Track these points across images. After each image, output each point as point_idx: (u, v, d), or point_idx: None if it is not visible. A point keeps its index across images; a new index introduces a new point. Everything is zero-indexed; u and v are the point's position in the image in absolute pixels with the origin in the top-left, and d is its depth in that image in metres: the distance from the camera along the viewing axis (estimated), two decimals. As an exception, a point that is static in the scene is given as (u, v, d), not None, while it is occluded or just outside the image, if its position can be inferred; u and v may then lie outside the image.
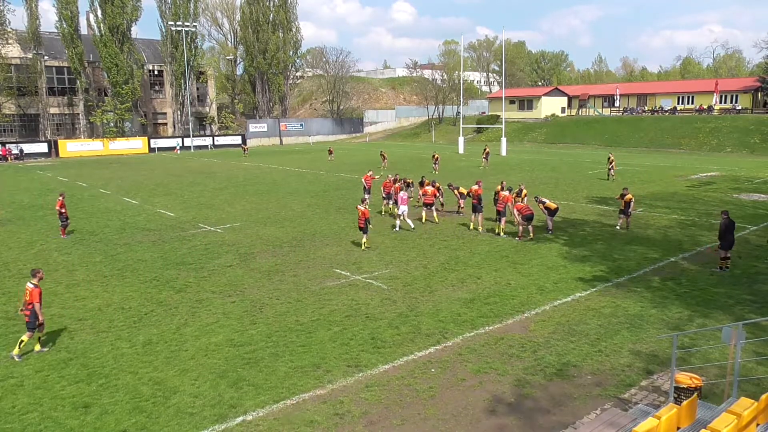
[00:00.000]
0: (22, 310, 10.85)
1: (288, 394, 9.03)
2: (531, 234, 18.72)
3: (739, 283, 14.15)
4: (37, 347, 10.84)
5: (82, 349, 10.81)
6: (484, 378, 9.53)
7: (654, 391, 8.99)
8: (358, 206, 18.15)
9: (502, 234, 19.33)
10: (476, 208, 20.10)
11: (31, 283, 10.77)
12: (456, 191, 23.08)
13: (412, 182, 25.59)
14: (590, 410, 8.48)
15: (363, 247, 17.84)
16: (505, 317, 12.11)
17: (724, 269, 15.05)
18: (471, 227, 20.45)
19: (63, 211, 20.28)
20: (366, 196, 24.90)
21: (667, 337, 10.53)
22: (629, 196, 19.58)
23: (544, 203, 19.82)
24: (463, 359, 10.21)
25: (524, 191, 22.14)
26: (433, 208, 21.93)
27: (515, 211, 18.74)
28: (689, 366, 9.46)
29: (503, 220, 19.44)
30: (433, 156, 38.36)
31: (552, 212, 19.74)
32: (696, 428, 6.76)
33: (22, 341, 10.59)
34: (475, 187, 20.59)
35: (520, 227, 18.83)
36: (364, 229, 17.77)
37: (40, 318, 10.65)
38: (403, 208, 20.38)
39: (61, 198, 20.55)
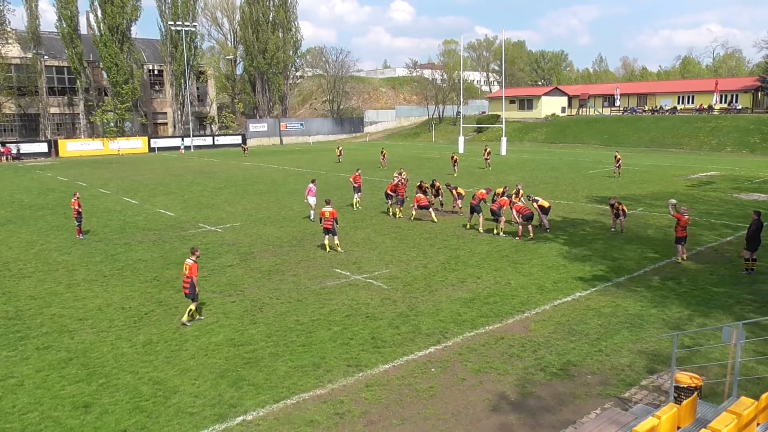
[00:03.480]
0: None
1: (288, 394, 9.04)
2: (531, 233, 18.73)
3: (739, 282, 14.15)
4: (197, 315, 12.21)
5: (82, 348, 10.82)
6: (484, 377, 9.53)
7: (654, 391, 8.99)
8: (324, 209, 17.45)
9: (501, 234, 19.34)
10: (474, 209, 20.14)
11: (190, 259, 12.02)
12: (454, 191, 23.09)
13: (440, 187, 24.24)
14: (591, 409, 8.48)
15: (328, 249, 17.45)
16: (505, 317, 12.11)
17: (750, 271, 14.71)
18: (468, 226, 20.47)
19: (81, 210, 20.06)
20: (356, 195, 24.94)
21: (667, 337, 10.52)
22: (617, 204, 19.34)
23: (537, 201, 19.93)
24: (463, 359, 10.21)
25: (521, 191, 22.19)
26: (431, 209, 21.93)
27: (514, 211, 18.78)
28: (689, 365, 9.46)
29: (502, 220, 19.45)
30: (452, 157, 37.46)
31: (546, 211, 19.81)
32: (696, 428, 6.76)
33: (190, 310, 12.01)
34: (482, 191, 20.64)
35: (520, 227, 18.85)
36: (331, 230, 17.37)
37: (197, 289, 12.02)
38: (312, 200, 21.71)
39: (77, 198, 20.16)
